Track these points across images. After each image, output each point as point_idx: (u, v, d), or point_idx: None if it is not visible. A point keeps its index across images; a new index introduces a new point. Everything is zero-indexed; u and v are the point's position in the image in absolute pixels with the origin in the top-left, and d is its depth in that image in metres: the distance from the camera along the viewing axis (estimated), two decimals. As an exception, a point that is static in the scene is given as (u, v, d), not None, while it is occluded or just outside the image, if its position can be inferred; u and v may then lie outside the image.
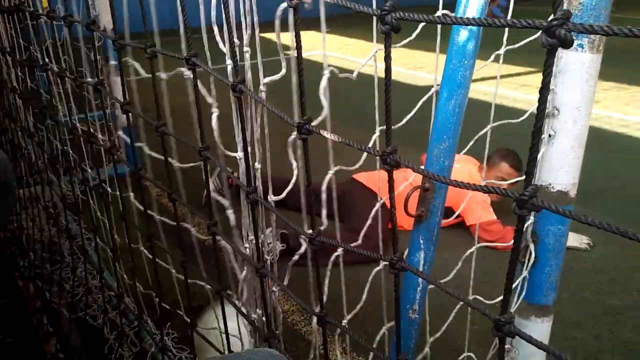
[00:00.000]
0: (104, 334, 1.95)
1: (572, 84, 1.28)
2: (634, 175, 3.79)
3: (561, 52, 1.28)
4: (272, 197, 1.04)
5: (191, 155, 1.09)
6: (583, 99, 1.29)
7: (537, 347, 0.60)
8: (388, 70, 0.62)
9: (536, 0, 8.09)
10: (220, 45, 1.02)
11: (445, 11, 1.07)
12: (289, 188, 0.96)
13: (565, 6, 1.22)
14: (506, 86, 5.97)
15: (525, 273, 1.39)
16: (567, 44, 0.55)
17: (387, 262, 0.70)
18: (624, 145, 4.37)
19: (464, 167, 3.05)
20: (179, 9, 0.94)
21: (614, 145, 4.30)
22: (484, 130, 1.14)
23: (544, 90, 0.61)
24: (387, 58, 0.62)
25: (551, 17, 0.54)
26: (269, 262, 1.18)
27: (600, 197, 3.41)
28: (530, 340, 0.60)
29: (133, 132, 1.30)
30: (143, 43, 1.03)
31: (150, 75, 1.04)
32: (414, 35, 1.04)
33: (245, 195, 0.91)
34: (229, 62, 0.94)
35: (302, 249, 0.92)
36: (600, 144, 4.15)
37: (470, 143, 1.18)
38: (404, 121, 1.02)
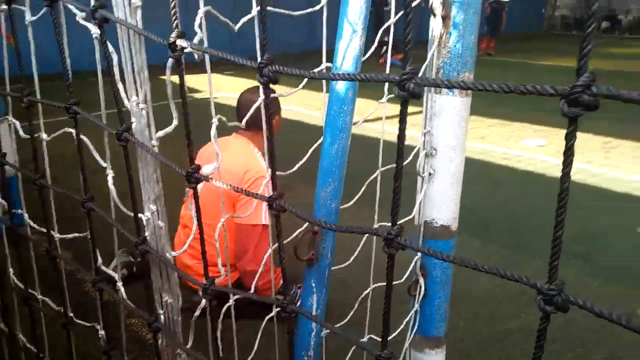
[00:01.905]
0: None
1: (446, 125, 1.39)
2: (516, 206, 4.14)
3: (435, 97, 1.39)
4: (172, 253, 0.99)
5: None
6: (457, 139, 1.40)
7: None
8: (269, 120, 0.64)
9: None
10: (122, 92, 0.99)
11: (328, 64, 1.13)
12: (190, 239, 0.93)
13: (435, 55, 1.33)
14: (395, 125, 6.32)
15: (416, 306, 1.45)
16: (416, 97, 0.60)
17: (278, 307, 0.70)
18: (506, 177, 4.78)
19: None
20: (66, 52, 0.90)
21: (497, 179, 4.69)
22: (373, 176, 1.19)
23: (400, 139, 0.66)
24: (267, 107, 0.64)
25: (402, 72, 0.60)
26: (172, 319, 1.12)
27: (486, 228, 3.67)
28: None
29: (15, 183, 1.21)
30: (19, 91, 0.97)
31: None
32: (298, 88, 1.07)
33: (135, 246, 0.87)
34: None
35: (203, 303, 0.88)
36: (486, 177, 4.52)
37: (363, 189, 1.22)
38: (294, 168, 1.04)
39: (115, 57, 0.88)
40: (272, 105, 2.39)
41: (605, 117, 6.90)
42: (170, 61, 0.83)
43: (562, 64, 12.20)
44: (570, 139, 0.51)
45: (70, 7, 0.89)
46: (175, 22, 0.77)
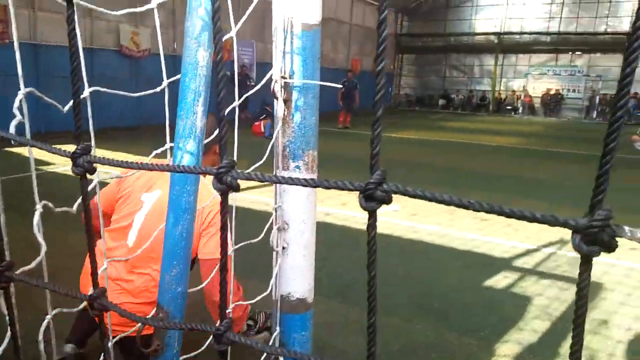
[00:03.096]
0: None
1: (295, 200, 1.43)
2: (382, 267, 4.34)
3: (283, 172, 1.44)
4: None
5: None
6: (306, 213, 1.45)
7: None
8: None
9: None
10: None
11: (171, 144, 1.12)
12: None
13: (280, 134, 1.39)
14: (254, 193, 6.41)
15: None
16: (234, 189, 0.60)
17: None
18: (365, 240, 5.02)
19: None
20: None
21: (356, 242, 4.91)
22: (227, 254, 1.17)
23: (223, 230, 0.65)
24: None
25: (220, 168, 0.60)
26: None
27: (348, 290, 3.79)
28: None
29: None
30: None
31: None
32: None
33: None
34: None
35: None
36: (347, 241, 4.72)
37: (202, 284, 1.20)
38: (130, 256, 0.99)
39: None
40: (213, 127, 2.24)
41: (453, 186, 7.70)
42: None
43: (405, 135, 13.90)
44: (371, 230, 0.54)
45: None
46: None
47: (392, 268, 4.30)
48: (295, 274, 1.46)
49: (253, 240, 1.35)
